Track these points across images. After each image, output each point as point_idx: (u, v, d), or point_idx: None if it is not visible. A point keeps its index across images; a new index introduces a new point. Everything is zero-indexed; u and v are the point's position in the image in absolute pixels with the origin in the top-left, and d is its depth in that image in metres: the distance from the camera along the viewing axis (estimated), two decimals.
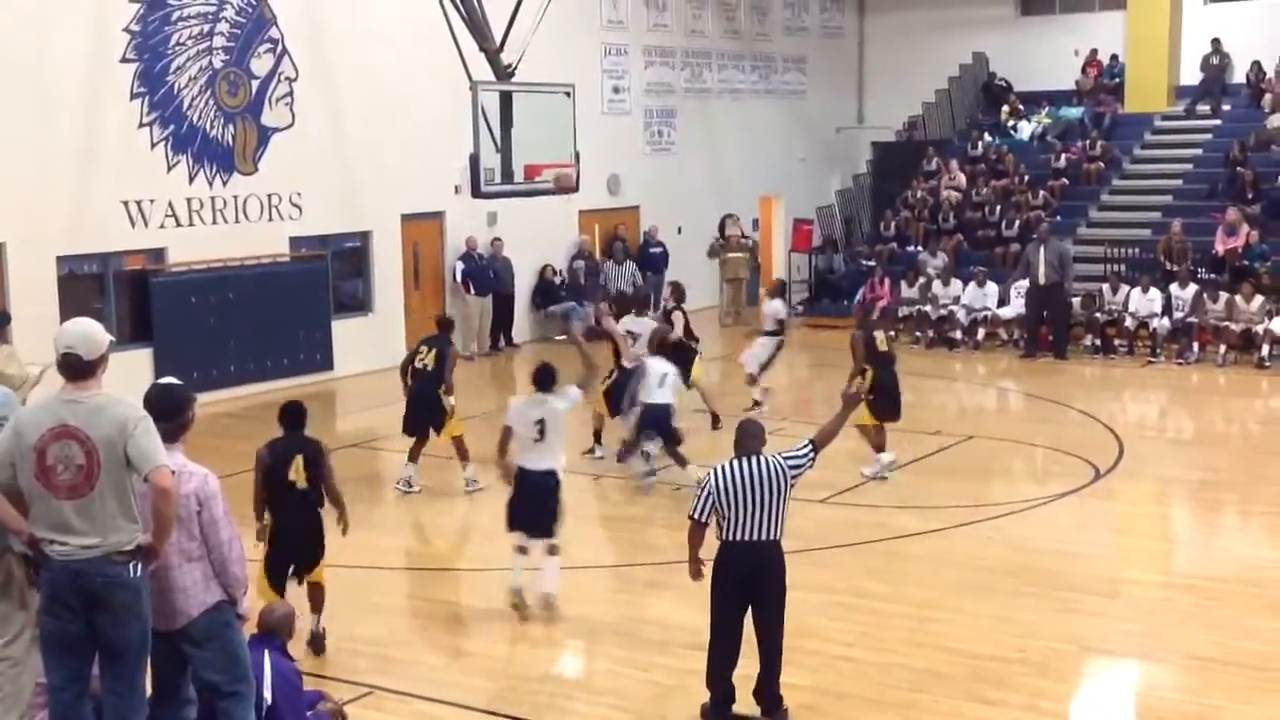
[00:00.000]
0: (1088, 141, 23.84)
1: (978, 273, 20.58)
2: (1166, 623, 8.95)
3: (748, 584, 7.20)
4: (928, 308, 20.60)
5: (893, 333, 20.27)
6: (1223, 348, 18.30)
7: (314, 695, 6.63)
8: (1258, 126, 22.70)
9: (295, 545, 8.30)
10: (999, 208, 22.51)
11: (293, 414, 8.48)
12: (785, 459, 7.28)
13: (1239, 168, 21.55)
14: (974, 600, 9.28)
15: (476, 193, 15.73)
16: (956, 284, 20.69)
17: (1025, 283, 19.50)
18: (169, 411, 5.80)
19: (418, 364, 12.31)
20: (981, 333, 20.13)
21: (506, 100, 15.58)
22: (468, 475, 12.31)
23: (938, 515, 11.33)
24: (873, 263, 22.39)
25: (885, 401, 12.25)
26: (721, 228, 24.19)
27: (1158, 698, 7.88)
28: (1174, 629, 8.82)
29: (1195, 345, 18.58)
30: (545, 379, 9.38)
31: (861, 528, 10.91)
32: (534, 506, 9.07)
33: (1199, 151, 23.22)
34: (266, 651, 6.15)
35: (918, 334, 20.53)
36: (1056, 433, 14.66)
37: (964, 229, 22.55)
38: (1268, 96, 23.34)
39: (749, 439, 7.39)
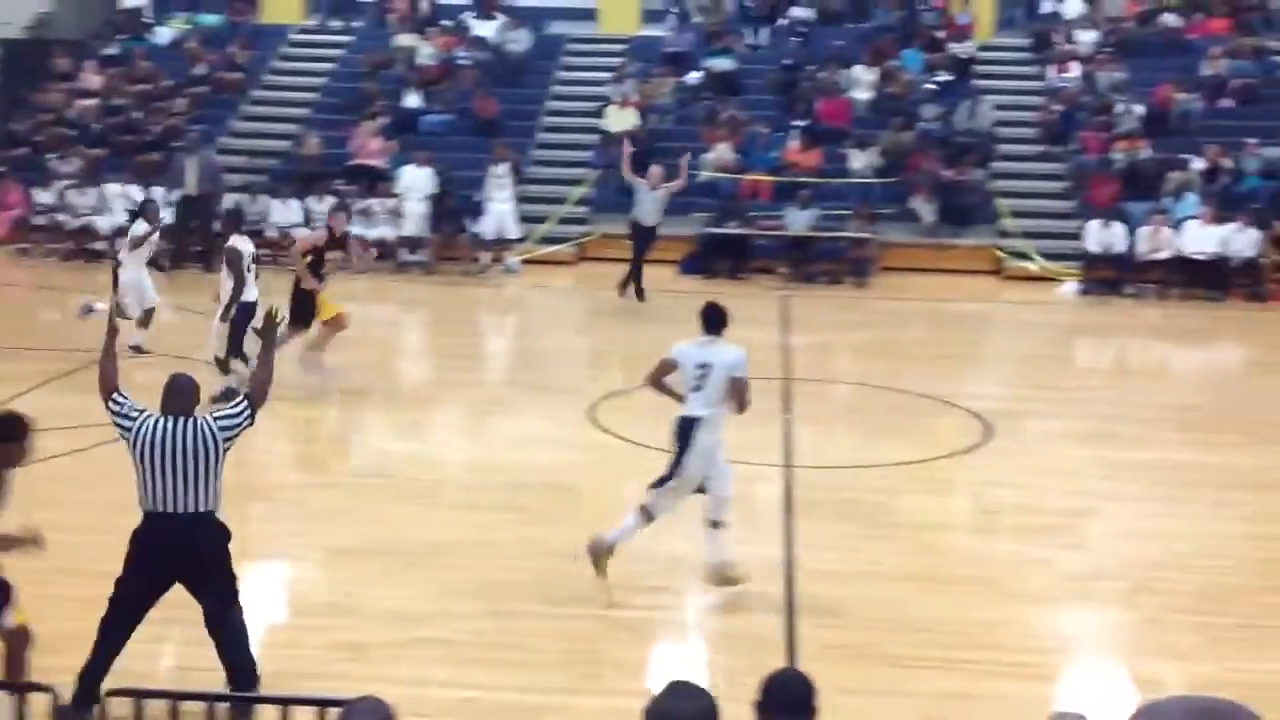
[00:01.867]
0: (228, 50, 23.67)
1: (121, 180, 19.84)
2: (317, 520, 9.44)
3: (170, 565, 6.34)
4: (65, 217, 19.53)
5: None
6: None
7: None
8: (387, 45, 23.92)
9: None
10: (140, 114, 21.79)
11: None
12: (217, 420, 6.39)
13: (368, 83, 22.65)
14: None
15: None
16: (94, 192, 19.80)
17: (176, 192, 19.19)
18: None
19: None
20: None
21: None
22: None
23: (84, 434, 10.87)
24: (1, 169, 20.70)
25: None
26: None
27: (306, 588, 8.30)
28: (322, 525, 9.32)
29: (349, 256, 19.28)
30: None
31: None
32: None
33: (334, 66, 24.05)
34: None
35: (54, 245, 19.46)
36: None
37: (103, 135, 21.55)
38: (393, 16, 24.56)
39: (177, 396, 6.42)
